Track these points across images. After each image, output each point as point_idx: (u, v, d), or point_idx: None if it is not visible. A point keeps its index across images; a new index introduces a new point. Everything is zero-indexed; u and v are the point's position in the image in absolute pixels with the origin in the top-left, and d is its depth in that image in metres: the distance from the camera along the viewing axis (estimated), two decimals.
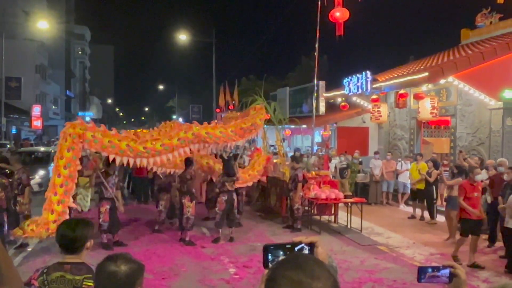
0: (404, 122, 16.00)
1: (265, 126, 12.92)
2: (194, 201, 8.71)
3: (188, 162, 8.72)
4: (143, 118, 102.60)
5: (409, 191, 12.73)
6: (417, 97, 13.14)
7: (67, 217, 6.91)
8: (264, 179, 12.29)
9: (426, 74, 12.26)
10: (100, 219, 8.07)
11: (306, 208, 10.37)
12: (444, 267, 1.60)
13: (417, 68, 14.74)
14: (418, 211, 11.62)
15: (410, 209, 12.15)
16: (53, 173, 7.34)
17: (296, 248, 1.33)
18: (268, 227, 10.17)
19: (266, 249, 1.32)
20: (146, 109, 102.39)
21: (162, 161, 8.06)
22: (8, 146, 24.79)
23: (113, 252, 2.41)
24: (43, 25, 30.95)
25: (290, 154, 14.35)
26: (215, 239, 8.79)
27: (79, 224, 2.50)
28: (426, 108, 13.35)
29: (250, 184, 10.83)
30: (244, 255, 7.83)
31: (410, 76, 13.21)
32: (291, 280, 1.06)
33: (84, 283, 2.35)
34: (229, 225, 9.01)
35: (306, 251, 1.34)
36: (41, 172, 13.93)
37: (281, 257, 1.30)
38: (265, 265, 1.31)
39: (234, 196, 9.08)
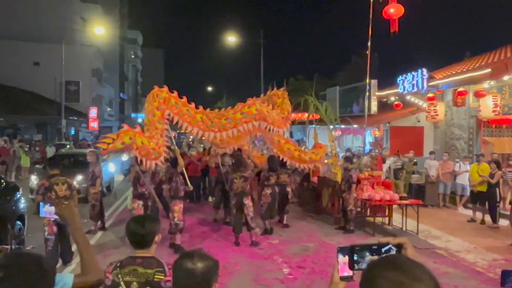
0: (463, 121, 15.28)
1: (316, 126, 12.81)
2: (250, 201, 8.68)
3: (239, 162, 8.84)
4: None
5: (468, 193, 12.15)
6: (478, 94, 12.51)
7: (158, 159, 7.54)
8: (315, 179, 12.16)
9: (489, 70, 11.64)
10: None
11: (359, 209, 10.16)
12: None
13: (477, 65, 14.03)
14: (479, 215, 11.06)
15: (469, 212, 11.59)
16: (148, 130, 7.90)
17: (383, 249, 1.28)
18: (319, 228, 10.04)
19: (352, 250, 1.28)
20: (200, 106, 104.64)
21: (228, 136, 8.50)
22: (68, 146, 26.12)
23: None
24: (99, 31, 32.39)
25: (341, 154, 14.11)
26: (265, 230, 9.17)
27: (147, 220, 2.58)
28: (488, 106, 12.66)
29: (307, 167, 10.81)
30: (297, 255, 7.77)
31: (471, 72, 12.60)
32: (391, 281, 1.01)
33: (155, 276, 2.41)
34: (272, 216, 9.37)
35: (393, 253, 1.29)
36: (79, 177, 11.83)
37: (368, 258, 1.26)
38: (351, 266, 1.28)
39: (277, 189, 9.45)
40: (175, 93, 8.37)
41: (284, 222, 10.23)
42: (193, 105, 8.48)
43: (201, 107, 8.64)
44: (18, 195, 8.06)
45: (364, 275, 1.09)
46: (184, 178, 8.14)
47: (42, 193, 6.73)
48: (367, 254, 1.27)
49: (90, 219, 9.50)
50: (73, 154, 15.73)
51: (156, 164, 7.94)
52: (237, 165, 8.82)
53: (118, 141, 7.34)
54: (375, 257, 1.26)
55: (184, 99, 8.38)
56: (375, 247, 1.28)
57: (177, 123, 8.31)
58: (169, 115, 8.17)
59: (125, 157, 20.75)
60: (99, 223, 9.58)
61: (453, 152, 15.11)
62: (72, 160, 14.47)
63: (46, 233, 6.66)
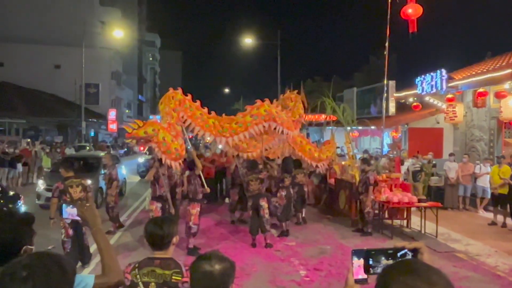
0: (483, 122, 15.01)
1: (333, 127, 12.75)
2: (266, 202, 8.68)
3: (254, 164, 8.86)
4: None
5: (489, 196, 11.92)
6: (499, 95, 12.29)
7: (178, 160, 7.65)
8: (332, 181, 12.10)
9: (510, 70, 11.43)
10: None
11: (377, 211, 10.06)
12: None
13: (497, 65, 13.78)
14: (500, 218, 10.84)
15: (490, 215, 11.37)
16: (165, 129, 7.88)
17: (398, 254, 1.28)
18: (336, 230, 9.98)
19: (367, 254, 1.28)
20: (212, 112, 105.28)
21: (240, 140, 8.53)
22: (87, 148, 26.55)
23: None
24: (118, 34, 32.88)
25: (358, 156, 14.00)
26: (281, 232, 9.19)
27: (165, 221, 2.62)
28: (509, 107, 12.43)
29: (319, 165, 10.97)
30: (314, 257, 7.74)
31: (491, 73, 12.39)
32: (406, 286, 1.01)
33: (173, 277, 2.45)
34: (288, 218, 9.41)
35: (409, 257, 1.28)
36: (88, 182, 10.57)
37: (383, 263, 1.26)
38: (366, 270, 1.27)
39: (291, 191, 9.47)
40: (189, 96, 8.42)
41: (301, 219, 10.36)
42: (206, 109, 8.54)
43: (213, 113, 8.65)
44: (20, 204, 8.24)
45: (379, 279, 1.09)
46: (201, 180, 8.16)
47: (58, 196, 6.74)
48: (383, 258, 1.27)
49: (110, 220, 9.67)
50: (82, 157, 14.55)
51: (174, 164, 7.97)
52: (252, 167, 8.84)
53: (142, 129, 7.44)
54: (391, 262, 1.25)
55: (198, 103, 8.43)
56: (391, 251, 1.28)
57: (189, 125, 8.34)
58: (182, 117, 8.23)
59: (141, 159, 21.01)
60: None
61: (473, 154, 14.86)
62: (80, 163, 13.05)
63: (62, 236, 6.70)
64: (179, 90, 8.32)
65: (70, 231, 6.69)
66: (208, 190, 8.36)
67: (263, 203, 8.43)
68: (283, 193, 9.36)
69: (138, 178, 19.29)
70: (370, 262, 1.27)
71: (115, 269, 1.93)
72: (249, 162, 9.22)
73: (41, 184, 12.24)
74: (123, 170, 15.53)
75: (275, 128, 8.85)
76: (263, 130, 8.84)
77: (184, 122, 8.28)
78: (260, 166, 9.60)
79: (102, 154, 14.44)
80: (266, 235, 8.43)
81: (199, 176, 8.17)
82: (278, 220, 9.41)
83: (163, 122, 8.37)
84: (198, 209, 8.01)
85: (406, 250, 1.28)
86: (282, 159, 9.96)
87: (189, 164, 8.40)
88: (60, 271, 1.40)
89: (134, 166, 21.13)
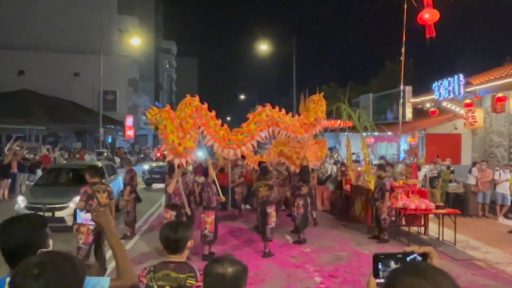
0: (503, 128, 14.75)
1: (349, 133, 12.67)
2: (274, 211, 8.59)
3: (265, 170, 8.85)
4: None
5: (509, 203, 11.69)
6: None
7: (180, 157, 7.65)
8: (348, 187, 12.02)
9: None
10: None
11: (394, 218, 9.94)
12: None
13: None
14: None
15: (510, 222, 11.14)
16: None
17: (408, 258, 1.28)
18: (352, 237, 9.89)
19: (376, 258, 1.28)
20: (228, 118, 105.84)
21: (248, 149, 8.54)
22: (105, 154, 26.90)
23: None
24: (136, 41, 33.37)
25: (374, 162, 13.88)
26: (298, 241, 9.15)
27: (180, 226, 2.66)
28: None
29: (315, 164, 11.13)
30: (329, 264, 7.69)
31: (511, 77, 12.18)
32: (413, 287, 1.02)
33: (187, 281, 2.48)
34: (303, 227, 9.30)
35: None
36: (77, 198, 8.21)
37: (393, 267, 1.26)
38: (375, 274, 1.27)
39: (308, 200, 9.41)
40: (206, 105, 8.44)
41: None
42: (220, 121, 8.54)
43: (226, 125, 8.65)
44: None
45: (386, 281, 1.10)
46: (217, 188, 8.15)
47: (85, 200, 6.76)
48: (392, 262, 1.26)
49: (125, 225, 9.77)
50: (73, 168, 12.74)
51: (181, 162, 7.92)
52: (263, 173, 8.85)
53: (155, 115, 7.66)
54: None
55: (213, 113, 8.43)
56: (400, 256, 1.28)
57: (202, 132, 8.36)
58: (197, 124, 8.25)
59: (146, 166, 20.89)
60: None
61: (492, 160, 14.61)
62: (71, 174, 12.13)
63: (80, 242, 6.55)
64: (197, 97, 8.36)
65: (91, 238, 6.62)
66: (223, 199, 8.37)
67: (270, 210, 8.35)
68: (301, 202, 9.27)
69: (143, 185, 18.90)
70: (380, 266, 1.27)
71: (129, 272, 1.96)
72: (261, 168, 9.21)
73: (21, 201, 10.35)
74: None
75: (278, 132, 8.81)
76: (269, 135, 8.86)
77: (198, 129, 8.33)
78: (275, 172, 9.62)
79: (96, 163, 12.55)
80: (267, 243, 8.31)
81: (214, 184, 8.18)
82: (295, 231, 9.41)
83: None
84: (213, 217, 7.99)
85: (415, 255, 1.28)
86: (300, 167, 9.85)
87: (204, 172, 8.42)
88: (71, 269, 1.43)
89: (139, 173, 21.05)
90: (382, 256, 1.28)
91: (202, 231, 7.95)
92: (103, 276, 5.57)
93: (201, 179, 9.43)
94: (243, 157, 11.44)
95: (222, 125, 8.55)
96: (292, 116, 9.34)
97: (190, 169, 9.78)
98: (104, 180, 9.50)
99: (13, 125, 25.81)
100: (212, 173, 8.15)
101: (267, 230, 8.26)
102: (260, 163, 10.24)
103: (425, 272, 1.05)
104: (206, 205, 8.04)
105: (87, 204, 6.72)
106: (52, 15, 37.58)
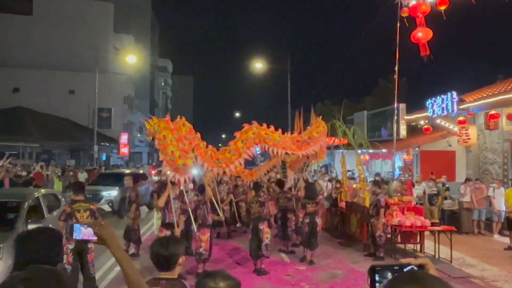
0: (496, 145, 14.84)
1: (344, 150, 12.69)
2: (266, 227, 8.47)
3: (257, 186, 8.82)
4: (220, 144, 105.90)
5: (502, 220, 11.67)
6: (511, 117, 12.17)
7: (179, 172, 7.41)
8: (343, 204, 11.97)
9: None
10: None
11: (389, 235, 9.89)
12: None
13: (509, 87, 13.71)
14: None
15: (505, 240, 11.10)
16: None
17: (404, 270, 1.27)
18: (348, 255, 9.81)
19: (373, 270, 1.27)
20: (223, 135, 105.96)
21: (236, 167, 8.48)
22: None
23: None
24: (131, 59, 33.51)
25: (369, 179, 13.86)
26: (302, 258, 9.15)
27: (171, 242, 2.60)
28: None
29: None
30: (324, 282, 7.60)
31: (503, 95, 12.32)
32: None
33: None
34: (310, 248, 9.02)
35: None
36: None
37: (389, 278, 1.24)
38: (372, 286, 1.26)
39: (318, 219, 9.14)
40: (191, 126, 8.36)
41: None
42: (204, 143, 8.53)
43: (210, 146, 8.63)
44: None
45: None
46: (213, 207, 8.06)
47: (64, 219, 6.51)
48: (389, 274, 1.26)
49: (132, 242, 9.70)
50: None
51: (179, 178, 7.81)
52: (256, 189, 8.81)
53: (153, 125, 7.52)
54: None
55: (198, 135, 8.39)
56: (397, 267, 1.28)
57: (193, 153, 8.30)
58: (191, 145, 8.16)
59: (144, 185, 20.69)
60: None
61: (487, 177, 14.64)
62: None
63: (64, 262, 6.25)
64: (183, 119, 8.22)
65: (70, 258, 6.34)
66: (222, 218, 8.30)
67: (263, 227, 8.24)
68: (306, 220, 9.13)
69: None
70: (377, 278, 1.25)
71: (139, 284, 1.89)
72: (254, 185, 9.19)
73: None
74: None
75: (267, 149, 8.79)
76: (255, 153, 8.87)
77: (192, 149, 8.24)
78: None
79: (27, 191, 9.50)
80: (262, 260, 8.20)
81: (211, 202, 8.08)
82: (301, 244, 9.43)
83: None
84: (209, 234, 7.89)
85: (412, 266, 1.27)
86: (306, 185, 9.80)
87: (199, 189, 8.36)
88: (57, 285, 1.38)
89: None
90: (379, 268, 1.27)
91: (197, 249, 7.85)
92: None
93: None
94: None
95: (207, 147, 8.54)
96: (283, 132, 9.30)
97: (190, 187, 9.64)
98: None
99: (6, 142, 25.65)
100: (209, 191, 8.08)
101: (262, 247, 8.13)
102: (278, 180, 10.49)
103: (424, 280, 1.05)
104: (202, 222, 7.93)
105: (67, 224, 6.43)
106: (48, 32, 37.77)
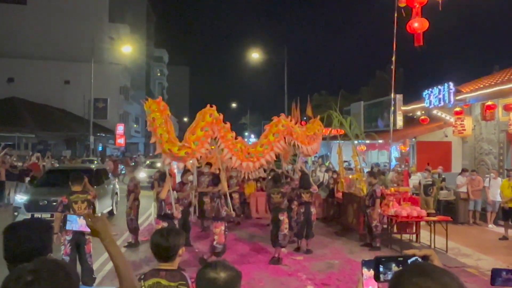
0: (492, 136, 14.90)
1: (341, 141, 12.71)
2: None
3: (278, 178, 8.91)
4: None
5: (496, 210, 11.77)
6: (508, 108, 12.21)
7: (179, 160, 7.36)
8: (339, 195, 12.02)
9: None
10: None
11: (385, 226, 9.95)
12: None
13: (506, 78, 13.74)
14: (511, 232, 10.67)
15: (500, 230, 11.20)
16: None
17: (409, 261, 1.27)
18: (344, 245, 9.88)
19: (378, 261, 1.27)
20: (239, 137, 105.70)
21: (267, 160, 8.43)
22: (95, 162, 26.65)
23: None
24: (127, 49, 33.27)
25: (366, 170, 13.90)
26: (296, 249, 9.09)
27: (172, 233, 2.60)
28: None
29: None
30: (321, 272, 7.65)
31: (499, 86, 12.34)
32: (419, 287, 1.01)
33: None
34: (306, 237, 9.12)
35: None
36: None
37: (394, 269, 1.26)
38: (376, 277, 1.26)
39: (312, 209, 9.20)
40: (221, 116, 8.08)
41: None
42: (234, 133, 8.25)
43: (240, 138, 8.42)
44: None
45: (392, 281, 1.10)
46: (227, 201, 7.98)
47: (62, 211, 6.49)
48: (393, 265, 1.27)
49: (130, 232, 9.80)
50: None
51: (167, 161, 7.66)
52: (275, 181, 8.82)
53: (147, 104, 7.53)
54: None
55: (228, 125, 8.12)
56: (401, 258, 1.29)
57: (219, 145, 8.05)
58: (215, 136, 7.92)
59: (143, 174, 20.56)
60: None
61: (482, 168, 14.73)
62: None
63: (61, 253, 6.30)
64: (214, 107, 7.96)
65: (68, 249, 6.33)
66: (233, 214, 8.28)
67: (283, 218, 8.28)
68: (301, 209, 9.18)
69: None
70: (381, 269, 1.26)
71: (131, 280, 1.91)
72: (273, 176, 9.20)
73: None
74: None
75: (290, 142, 8.76)
76: (285, 146, 8.76)
77: (214, 140, 7.97)
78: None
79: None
80: (277, 249, 8.27)
81: (224, 196, 8.00)
82: (295, 237, 9.35)
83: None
84: (223, 227, 7.80)
85: (416, 257, 1.28)
86: (301, 175, 9.80)
87: (214, 180, 8.28)
88: (65, 277, 1.39)
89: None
90: (384, 259, 1.27)
91: (211, 242, 7.82)
92: (92, 286, 5.39)
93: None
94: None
95: (236, 138, 8.27)
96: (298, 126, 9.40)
97: (190, 179, 9.58)
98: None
99: (2, 133, 25.52)
100: (225, 185, 8.00)
101: (279, 236, 8.22)
102: (272, 171, 10.41)
103: (432, 273, 1.06)
104: (215, 215, 7.88)
105: (64, 215, 6.31)
106: (42, 22, 37.41)
